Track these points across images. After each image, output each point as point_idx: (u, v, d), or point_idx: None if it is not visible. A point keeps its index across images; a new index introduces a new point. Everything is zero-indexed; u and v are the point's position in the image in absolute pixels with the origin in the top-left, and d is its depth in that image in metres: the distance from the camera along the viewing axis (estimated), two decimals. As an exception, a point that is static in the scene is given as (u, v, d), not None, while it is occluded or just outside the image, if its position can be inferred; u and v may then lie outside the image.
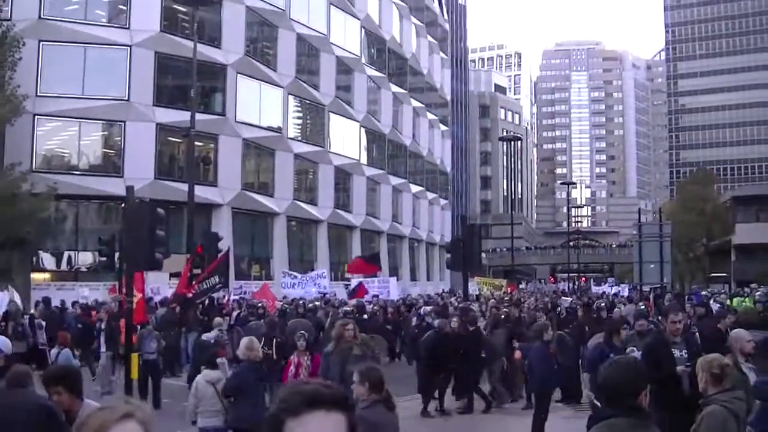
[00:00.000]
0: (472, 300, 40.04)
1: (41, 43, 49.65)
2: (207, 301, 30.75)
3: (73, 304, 35.88)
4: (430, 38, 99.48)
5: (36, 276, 48.79)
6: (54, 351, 18.17)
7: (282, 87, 63.43)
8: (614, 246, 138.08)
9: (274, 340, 20.30)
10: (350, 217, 73.44)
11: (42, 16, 50.53)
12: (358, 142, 76.43)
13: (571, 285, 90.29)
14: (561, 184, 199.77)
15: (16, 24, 44.48)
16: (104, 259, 28.17)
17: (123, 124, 52.37)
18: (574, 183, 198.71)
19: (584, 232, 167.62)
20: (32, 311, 32.13)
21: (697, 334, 16.51)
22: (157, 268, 17.88)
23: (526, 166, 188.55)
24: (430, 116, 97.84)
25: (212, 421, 13.42)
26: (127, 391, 15.69)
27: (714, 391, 7.13)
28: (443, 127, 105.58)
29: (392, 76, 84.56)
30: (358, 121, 75.63)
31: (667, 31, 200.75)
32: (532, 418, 16.16)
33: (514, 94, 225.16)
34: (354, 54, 75.33)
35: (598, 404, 7.36)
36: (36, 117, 49.47)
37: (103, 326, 25.28)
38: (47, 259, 52.14)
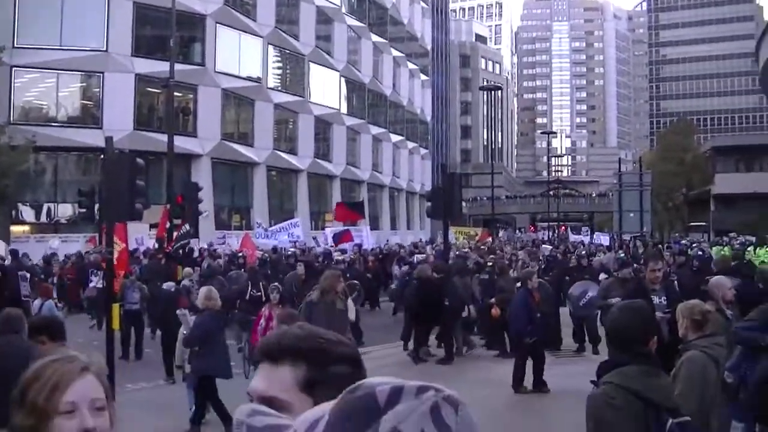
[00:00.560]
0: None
1: (17, -7, 49.22)
2: (186, 251, 30.71)
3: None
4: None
5: (15, 229, 48.46)
6: (37, 302, 18.14)
7: (261, 37, 63.07)
8: (594, 195, 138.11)
9: (261, 284, 20.42)
10: (330, 166, 73.39)
11: (18, -33, 49.93)
12: (338, 92, 76.23)
13: (550, 234, 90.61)
14: (541, 133, 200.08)
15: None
16: (84, 210, 27.93)
17: (101, 75, 52.06)
18: (555, 133, 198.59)
19: (564, 181, 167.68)
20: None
21: (676, 281, 16.63)
22: (137, 219, 17.77)
23: (506, 116, 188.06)
24: (411, 66, 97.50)
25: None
26: (109, 342, 15.66)
27: (694, 337, 7.16)
28: (423, 77, 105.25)
29: (372, 25, 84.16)
30: (338, 71, 75.35)
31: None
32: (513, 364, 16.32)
33: (495, 44, 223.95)
34: (334, 3, 74.92)
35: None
36: (13, 69, 49.11)
37: (56, 280, 25.55)
38: (26, 212, 51.95)
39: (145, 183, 17.83)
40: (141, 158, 18.01)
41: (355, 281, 25.48)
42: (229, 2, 59.62)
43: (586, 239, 64.92)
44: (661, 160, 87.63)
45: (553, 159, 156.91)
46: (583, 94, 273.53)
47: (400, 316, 28.52)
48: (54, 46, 50.24)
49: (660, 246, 42.56)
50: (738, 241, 40.14)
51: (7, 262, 25.92)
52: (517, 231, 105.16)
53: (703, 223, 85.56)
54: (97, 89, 52.92)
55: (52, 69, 50.53)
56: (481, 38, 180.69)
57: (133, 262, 28.95)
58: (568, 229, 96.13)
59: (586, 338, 20.66)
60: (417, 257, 34.93)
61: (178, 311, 16.14)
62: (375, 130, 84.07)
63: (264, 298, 17.80)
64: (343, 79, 76.76)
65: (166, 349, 18.42)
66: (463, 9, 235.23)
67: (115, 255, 17.01)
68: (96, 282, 27.64)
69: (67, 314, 27.02)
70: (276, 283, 16.37)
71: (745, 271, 17.50)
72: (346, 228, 43.88)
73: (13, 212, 49.64)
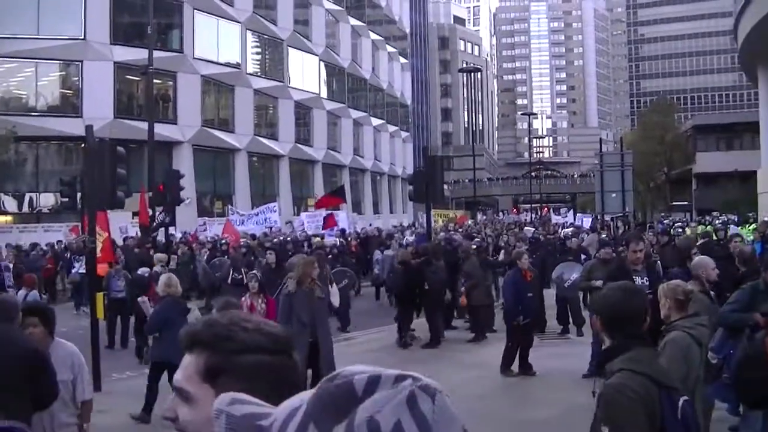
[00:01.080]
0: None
1: (-7, -18, 48.93)
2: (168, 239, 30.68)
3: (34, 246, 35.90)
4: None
5: (-3, 219, 48.52)
6: (21, 293, 18.10)
7: (239, 22, 62.90)
8: (576, 176, 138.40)
9: (241, 268, 20.46)
10: (311, 151, 73.32)
11: (-6, -46, 49.62)
12: (318, 77, 76.13)
13: (533, 215, 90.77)
14: (522, 114, 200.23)
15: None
16: (66, 199, 27.92)
17: (80, 63, 51.87)
18: (535, 114, 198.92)
19: (546, 162, 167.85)
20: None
21: (658, 262, 16.70)
22: (119, 207, 17.79)
23: (486, 98, 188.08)
24: (390, 49, 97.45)
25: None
26: (93, 330, 15.65)
27: (677, 317, 7.18)
28: (403, 60, 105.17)
29: (350, 9, 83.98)
30: (317, 55, 75.24)
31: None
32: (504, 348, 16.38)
33: (474, 25, 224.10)
34: (312, -13, 74.71)
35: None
36: (-9, 58, 48.97)
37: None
38: (8, 202, 51.79)
39: (127, 171, 17.83)
40: (122, 146, 18.02)
41: (346, 268, 25.56)
42: (206, -12, 59.37)
43: (567, 220, 64.91)
44: (642, 139, 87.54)
45: (534, 140, 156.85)
46: (563, 75, 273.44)
47: (383, 300, 28.62)
48: (32, 35, 49.98)
49: (642, 226, 42.63)
50: (720, 221, 40.19)
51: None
52: (500, 213, 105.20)
53: (686, 203, 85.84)
54: (76, 78, 52.72)
55: (30, 58, 50.32)
56: (459, 20, 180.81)
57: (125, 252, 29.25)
58: (551, 210, 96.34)
59: (570, 320, 20.73)
60: (408, 239, 34.98)
61: (139, 299, 16.25)
62: (355, 114, 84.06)
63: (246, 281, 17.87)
64: (322, 64, 76.64)
65: (137, 332, 18.99)
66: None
67: (99, 246, 16.99)
68: (79, 267, 27.67)
69: (50, 304, 26.94)
70: (254, 272, 16.21)
71: (718, 251, 17.60)
72: (329, 212, 43.76)
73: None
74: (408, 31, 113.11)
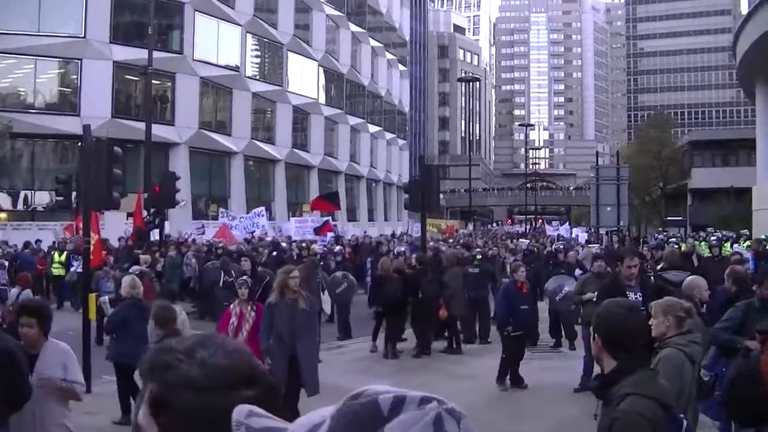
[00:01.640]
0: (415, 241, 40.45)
1: (-5, -22, 48.90)
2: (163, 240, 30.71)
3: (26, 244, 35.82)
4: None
5: (-8, 215, 48.41)
6: (14, 291, 18.06)
7: (240, 25, 62.91)
8: (571, 188, 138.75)
9: (231, 271, 20.44)
10: (308, 156, 73.28)
11: (-5, -49, 49.60)
12: (317, 82, 76.13)
13: (527, 227, 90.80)
14: (519, 125, 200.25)
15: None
16: (61, 198, 27.82)
17: (79, 61, 51.81)
18: (532, 125, 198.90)
19: (542, 174, 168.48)
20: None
21: (652, 277, 16.68)
22: (115, 208, 17.73)
23: (484, 108, 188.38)
24: (389, 56, 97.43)
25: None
26: (85, 332, 15.61)
27: (673, 334, 7.17)
28: (402, 67, 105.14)
29: (351, 15, 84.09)
30: (316, 60, 75.24)
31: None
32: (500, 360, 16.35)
33: (473, 34, 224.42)
34: (313, -8, 74.75)
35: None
36: (-10, 54, 48.93)
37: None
38: (3, 199, 51.60)
39: (123, 171, 17.78)
40: (118, 146, 17.95)
41: (345, 272, 25.53)
42: (208, -10, 59.38)
43: (560, 233, 64.92)
44: (639, 153, 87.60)
45: (530, 151, 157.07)
46: (561, 87, 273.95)
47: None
48: (32, 32, 49.92)
49: (637, 240, 42.62)
50: (715, 237, 40.19)
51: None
52: (495, 223, 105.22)
53: (680, 218, 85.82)
54: (75, 76, 52.66)
55: (29, 55, 50.28)
56: (459, 29, 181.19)
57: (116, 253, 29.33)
58: (545, 222, 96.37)
59: (563, 334, 20.70)
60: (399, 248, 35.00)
61: (100, 299, 16.21)
62: (353, 120, 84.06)
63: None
64: (321, 69, 76.65)
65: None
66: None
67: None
68: (77, 267, 27.72)
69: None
70: (244, 278, 15.80)
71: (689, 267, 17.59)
72: (326, 219, 43.77)
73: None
74: (408, 38, 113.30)
